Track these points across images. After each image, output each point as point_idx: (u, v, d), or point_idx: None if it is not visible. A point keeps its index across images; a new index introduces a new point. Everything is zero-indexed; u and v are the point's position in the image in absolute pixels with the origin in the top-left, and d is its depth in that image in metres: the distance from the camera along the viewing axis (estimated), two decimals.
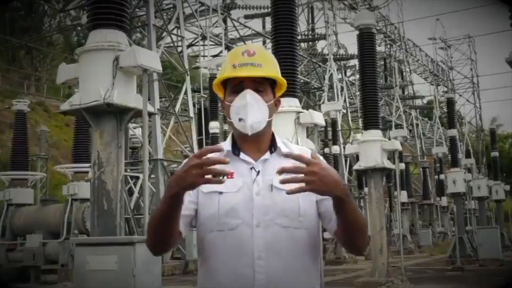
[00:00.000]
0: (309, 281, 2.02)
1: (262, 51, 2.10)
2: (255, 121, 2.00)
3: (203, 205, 2.01)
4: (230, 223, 1.96)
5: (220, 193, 1.99)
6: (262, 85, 2.05)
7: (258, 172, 2.02)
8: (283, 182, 1.80)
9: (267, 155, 2.06)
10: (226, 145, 2.10)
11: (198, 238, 2.06)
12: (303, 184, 1.79)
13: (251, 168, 2.03)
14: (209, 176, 1.78)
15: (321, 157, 1.87)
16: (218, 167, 1.79)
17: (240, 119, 2.01)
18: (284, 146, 2.12)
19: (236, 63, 2.04)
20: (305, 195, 1.97)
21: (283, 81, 2.12)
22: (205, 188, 2.00)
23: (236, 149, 2.07)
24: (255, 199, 1.97)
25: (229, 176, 1.97)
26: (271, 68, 2.08)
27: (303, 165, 1.80)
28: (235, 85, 2.05)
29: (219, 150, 1.92)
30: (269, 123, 2.07)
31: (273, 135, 2.12)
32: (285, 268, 1.95)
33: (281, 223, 1.96)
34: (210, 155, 1.79)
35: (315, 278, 2.07)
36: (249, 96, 2.01)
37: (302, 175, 1.79)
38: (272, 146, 2.09)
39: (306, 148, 2.17)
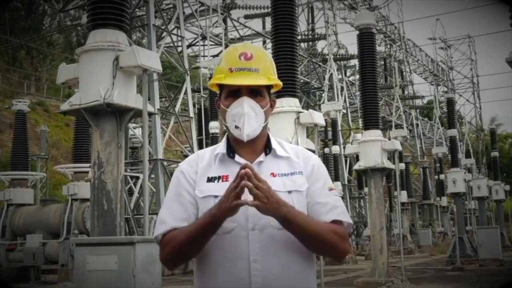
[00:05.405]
0: (307, 281, 2.01)
1: (259, 53, 2.06)
2: (251, 130, 1.99)
3: (201, 210, 1.99)
4: (225, 226, 1.92)
5: (215, 196, 1.96)
6: (259, 90, 2.03)
7: None
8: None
9: (262, 157, 2.05)
10: (221, 147, 2.08)
11: None
12: (251, 198, 1.83)
13: None
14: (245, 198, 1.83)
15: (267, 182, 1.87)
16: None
17: (236, 127, 2.00)
18: (279, 146, 2.10)
19: (233, 67, 2.00)
20: (299, 197, 2.00)
21: (280, 83, 2.10)
22: (201, 193, 2.00)
23: (231, 152, 2.05)
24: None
25: (224, 179, 1.98)
26: (268, 71, 2.05)
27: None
28: (231, 90, 2.02)
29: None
30: (264, 126, 2.05)
31: (268, 136, 2.10)
32: (282, 269, 1.94)
33: (276, 225, 1.92)
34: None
35: (312, 278, 2.06)
36: (246, 105, 1.99)
37: (254, 188, 1.81)
38: (267, 147, 2.07)
39: (299, 147, 2.17)
